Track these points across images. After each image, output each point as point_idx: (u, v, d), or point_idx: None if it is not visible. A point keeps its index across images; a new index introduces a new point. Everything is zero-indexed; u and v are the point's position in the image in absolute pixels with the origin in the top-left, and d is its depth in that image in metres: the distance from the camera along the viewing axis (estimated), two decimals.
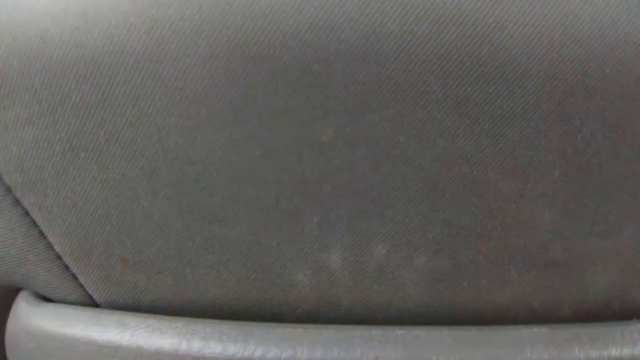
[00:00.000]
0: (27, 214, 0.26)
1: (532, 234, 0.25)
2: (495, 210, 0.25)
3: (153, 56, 0.22)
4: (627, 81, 0.23)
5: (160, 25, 0.22)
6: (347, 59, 0.22)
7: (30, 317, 0.28)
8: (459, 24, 0.22)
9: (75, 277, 0.28)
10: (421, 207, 0.24)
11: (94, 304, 0.28)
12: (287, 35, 0.21)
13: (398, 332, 0.25)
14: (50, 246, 0.27)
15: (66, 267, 0.27)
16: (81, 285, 0.28)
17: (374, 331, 0.25)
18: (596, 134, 0.23)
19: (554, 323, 0.26)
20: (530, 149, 0.23)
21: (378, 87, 0.22)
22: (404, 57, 0.22)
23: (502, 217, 0.25)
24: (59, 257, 0.27)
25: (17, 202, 0.26)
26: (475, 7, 0.22)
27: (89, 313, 0.27)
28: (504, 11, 0.22)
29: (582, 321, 0.27)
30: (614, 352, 0.25)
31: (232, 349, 0.25)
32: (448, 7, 0.22)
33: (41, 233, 0.27)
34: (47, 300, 0.29)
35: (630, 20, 0.22)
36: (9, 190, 0.26)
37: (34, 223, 0.26)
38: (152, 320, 0.26)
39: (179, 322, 0.26)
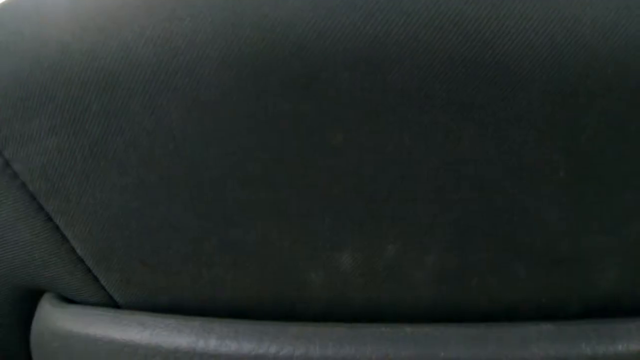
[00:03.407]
0: (50, 219, 0.27)
1: (540, 232, 0.25)
2: (502, 209, 0.25)
3: (168, 68, 0.23)
4: (629, 82, 0.23)
5: (174, 38, 0.23)
6: (354, 67, 0.22)
7: (54, 318, 0.29)
8: (462, 30, 0.22)
9: (96, 279, 0.29)
10: (429, 208, 0.25)
11: (115, 305, 0.29)
12: (295, 45, 0.22)
13: (408, 329, 0.26)
14: (72, 250, 0.28)
15: (88, 270, 0.28)
16: (103, 287, 0.29)
17: (385, 329, 0.26)
18: (600, 134, 0.24)
19: (563, 319, 0.27)
20: (535, 150, 0.24)
21: (384, 93, 0.23)
22: (409, 63, 0.22)
23: (509, 216, 0.25)
24: (81, 261, 0.28)
25: (40, 208, 0.27)
26: (477, 13, 0.22)
27: (110, 314, 0.28)
28: (506, 16, 0.22)
29: (590, 317, 0.27)
30: (621, 348, 0.25)
31: (247, 347, 0.25)
32: (451, 14, 0.22)
33: (64, 237, 0.28)
34: (70, 301, 0.30)
35: (632, 22, 0.23)
36: (33, 197, 0.27)
37: (57, 228, 0.28)
38: (170, 320, 0.27)
39: (196, 322, 0.26)
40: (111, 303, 0.29)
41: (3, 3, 0.27)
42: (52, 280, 0.30)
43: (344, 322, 0.27)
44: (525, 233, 0.25)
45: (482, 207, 0.25)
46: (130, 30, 0.23)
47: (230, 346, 0.26)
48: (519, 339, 0.25)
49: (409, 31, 0.22)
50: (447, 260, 0.26)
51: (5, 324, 0.32)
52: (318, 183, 0.25)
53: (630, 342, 0.25)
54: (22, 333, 0.32)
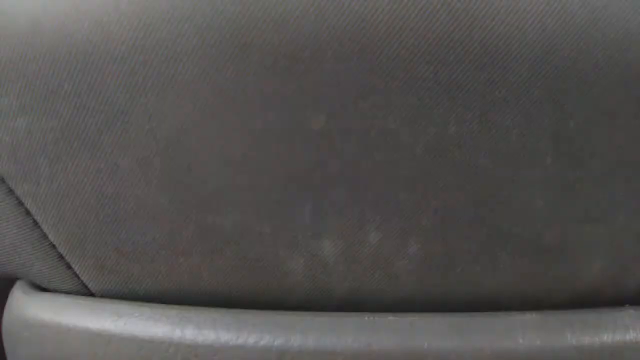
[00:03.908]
0: (20, 203, 0.26)
1: (525, 220, 0.25)
2: (487, 196, 0.25)
3: (144, 45, 0.22)
4: (619, 66, 0.23)
5: (150, 13, 0.22)
6: (338, 46, 0.22)
7: (26, 306, 0.28)
8: (449, 10, 0.22)
9: (69, 266, 0.28)
10: (413, 195, 0.24)
11: (89, 293, 0.28)
12: (277, 22, 0.21)
13: (390, 318, 0.25)
14: (44, 235, 0.27)
15: (60, 257, 0.27)
16: (76, 274, 0.28)
17: (367, 318, 0.25)
18: (588, 120, 0.23)
19: (548, 309, 0.26)
20: (522, 135, 0.23)
21: (369, 74, 0.22)
22: (395, 43, 0.22)
23: (494, 203, 0.25)
24: (53, 247, 0.27)
25: (10, 191, 0.26)
26: None
27: (83, 302, 0.27)
28: None
29: (576, 307, 0.27)
30: (606, 338, 0.25)
31: (225, 336, 0.25)
32: None
33: (35, 222, 0.27)
34: (43, 289, 0.29)
35: (622, 5, 0.22)
36: (2, 179, 0.26)
37: (27, 212, 0.27)
38: (146, 309, 0.26)
39: (173, 310, 0.26)
40: (85, 291, 0.28)
41: None
42: (23, 267, 0.29)
43: (325, 311, 0.26)
44: (510, 221, 0.25)
45: (467, 194, 0.24)
46: (104, 5, 0.22)
47: (208, 336, 0.25)
48: (503, 328, 0.25)
49: (395, 10, 0.22)
50: (430, 248, 0.25)
51: None
52: (299, 167, 0.24)
53: (615, 332, 0.25)
54: None
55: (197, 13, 0.22)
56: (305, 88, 0.22)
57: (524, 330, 0.25)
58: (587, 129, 0.23)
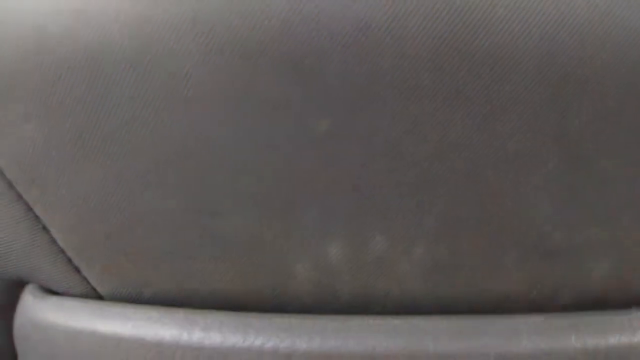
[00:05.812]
0: (30, 208, 0.27)
1: (529, 223, 0.25)
2: (491, 201, 0.25)
3: (147, 53, 0.22)
4: (623, 68, 0.22)
5: (152, 22, 0.22)
6: (340, 53, 0.22)
7: (36, 309, 0.29)
8: (450, 17, 0.22)
9: (78, 270, 0.28)
10: (417, 199, 0.25)
11: (98, 296, 0.29)
12: (280, 29, 0.22)
13: (395, 322, 0.25)
14: (53, 240, 0.27)
15: (69, 261, 0.28)
16: (85, 278, 0.28)
17: (371, 321, 0.25)
18: (591, 123, 0.23)
19: (553, 312, 0.26)
20: (524, 140, 0.23)
21: (371, 81, 0.22)
22: (396, 50, 0.22)
23: (498, 207, 0.25)
24: (63, 251, 0.28)
25: (19, 197, 0.27)
26: None
27: (92, 305, 0.28)
28: (495, 1, 0.22)
29: (582, 310, 0.27)
30: (612, 340, 0.25)
31: (231, 339, 0.25)
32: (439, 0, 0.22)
33: (44, 227, 0.27)
34: (53, 293, 0.30)
35: (626, 5, 0.22)
36: (10, 185, 0.26)
37: (37, 218, 0.27)
38: (154, 312, 0.26)
39: (180, 314, 0.26)
40: (94, 294, 0.29)
41: None
42: (33, 271, 0.29)
43: (331, 314, 0.26)
44: (515, 224, 0.25)
45: (471, 198, 0.24)
46: (106, 14, 0.22)
47: (215, 338, 0.25)
48: (508, 331, 0.25)
49: (395, 17, 0.22)
50: (436, 252, 0.25)
51: None
52: (304, 172, 0.24)
53: (621, 334, 0.25)
54: (5, 325, 0.32)
55: (199, 22, 0.22)
56: (309, 93, 0.22)
57: (529, 332, 0.25)
58: (590, 132, 0.23)
